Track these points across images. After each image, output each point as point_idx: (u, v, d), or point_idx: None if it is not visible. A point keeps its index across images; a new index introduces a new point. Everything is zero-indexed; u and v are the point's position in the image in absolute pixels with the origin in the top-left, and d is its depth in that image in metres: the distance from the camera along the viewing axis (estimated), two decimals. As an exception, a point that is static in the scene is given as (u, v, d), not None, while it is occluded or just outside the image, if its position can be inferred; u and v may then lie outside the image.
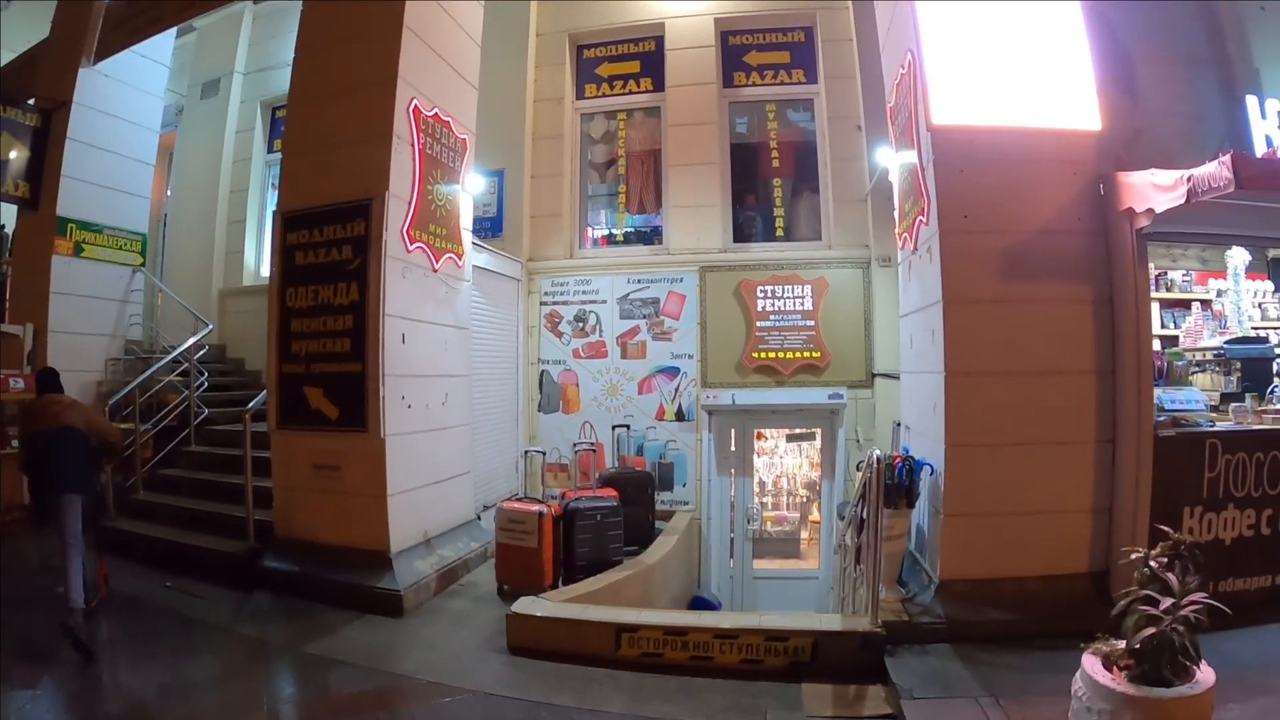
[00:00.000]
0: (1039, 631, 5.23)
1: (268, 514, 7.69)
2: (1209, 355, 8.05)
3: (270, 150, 13.33)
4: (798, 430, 11.31)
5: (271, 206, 12.91)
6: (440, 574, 7.40)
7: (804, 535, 11.59)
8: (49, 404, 6.68)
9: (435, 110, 7.86)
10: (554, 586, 7.24)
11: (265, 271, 12.65)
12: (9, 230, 12.46)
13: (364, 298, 7.06)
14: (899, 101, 6.85)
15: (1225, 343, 7.91)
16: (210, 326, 10.19)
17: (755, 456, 11.37)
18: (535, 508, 7.41)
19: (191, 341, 9.81)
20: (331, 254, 7.27)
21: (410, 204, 7.43)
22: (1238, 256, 8.63)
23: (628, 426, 10.71)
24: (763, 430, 11.33)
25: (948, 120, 5.98)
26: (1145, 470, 5.46)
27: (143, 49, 11.27)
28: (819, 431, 11.09)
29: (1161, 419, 5.65)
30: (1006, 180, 5.87)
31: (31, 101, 10.74)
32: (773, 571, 11.23)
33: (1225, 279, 8.88)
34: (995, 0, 6.17)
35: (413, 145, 7.50)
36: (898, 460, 5.94)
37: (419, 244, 7.56)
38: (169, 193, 13.99)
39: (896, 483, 5.86)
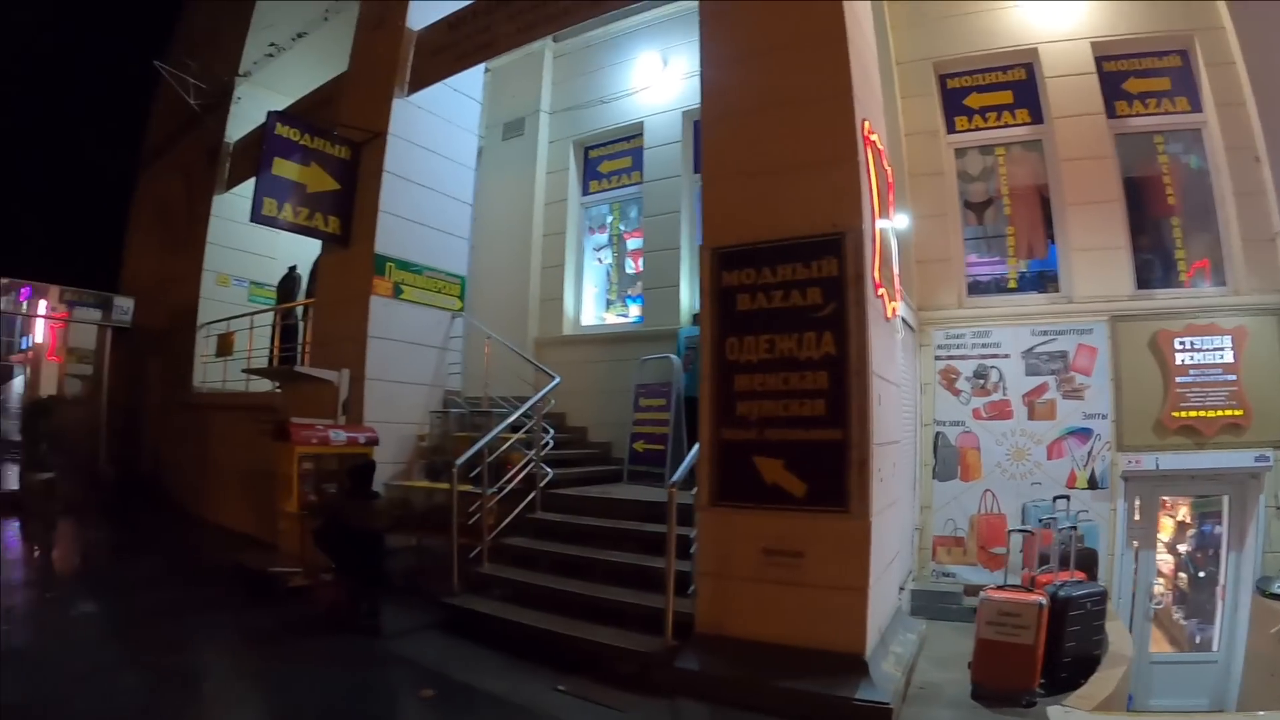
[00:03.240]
0: None
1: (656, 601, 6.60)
2: None
3: (586, 192, 12.81)
4: (1205, 495, 9.73)
5: (590, 249, 12.13)
6: (905, 677, 6.23)
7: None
8: (362, 509, 7.70)
9: (875, 134, 6.68)
10: (1040, 689, 6.15)
11: (586, 320, 11.85)
12: (301, 271, 12.00)
13: (843, 351, 5.94)
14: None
15: None
16: (558, 379, 9.25)
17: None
18: (1033, 598, 6.30)
19: (540, 395, 8.85)
20: (791, 298, 6.17)
21: (872, 240, 6.20)
22: None
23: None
24: (1166, 498, 9.79)
25: None
26: None
27: (453, 83, 10.78)
28: (1225, 498, 9.58)
29: None
30: None
31: (335, 132, 10.37)
32: (1170, 656, 9.73)
33: None
34: None
35: (866, 171, 6.31)
36: None
37: (881, 288, 6.34)
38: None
39: None
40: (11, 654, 6.44)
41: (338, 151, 10.37)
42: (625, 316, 12.30)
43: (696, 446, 6.54)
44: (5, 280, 14.52)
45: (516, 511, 8.54)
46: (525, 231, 12.68)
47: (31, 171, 34.43)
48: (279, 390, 11.29)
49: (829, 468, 5.87)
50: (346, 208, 10.29)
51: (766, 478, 6.10)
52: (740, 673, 5.94)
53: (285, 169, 9.82)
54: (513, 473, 8.65)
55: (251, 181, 13.28)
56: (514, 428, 8.65)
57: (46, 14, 26.35)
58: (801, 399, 6.02)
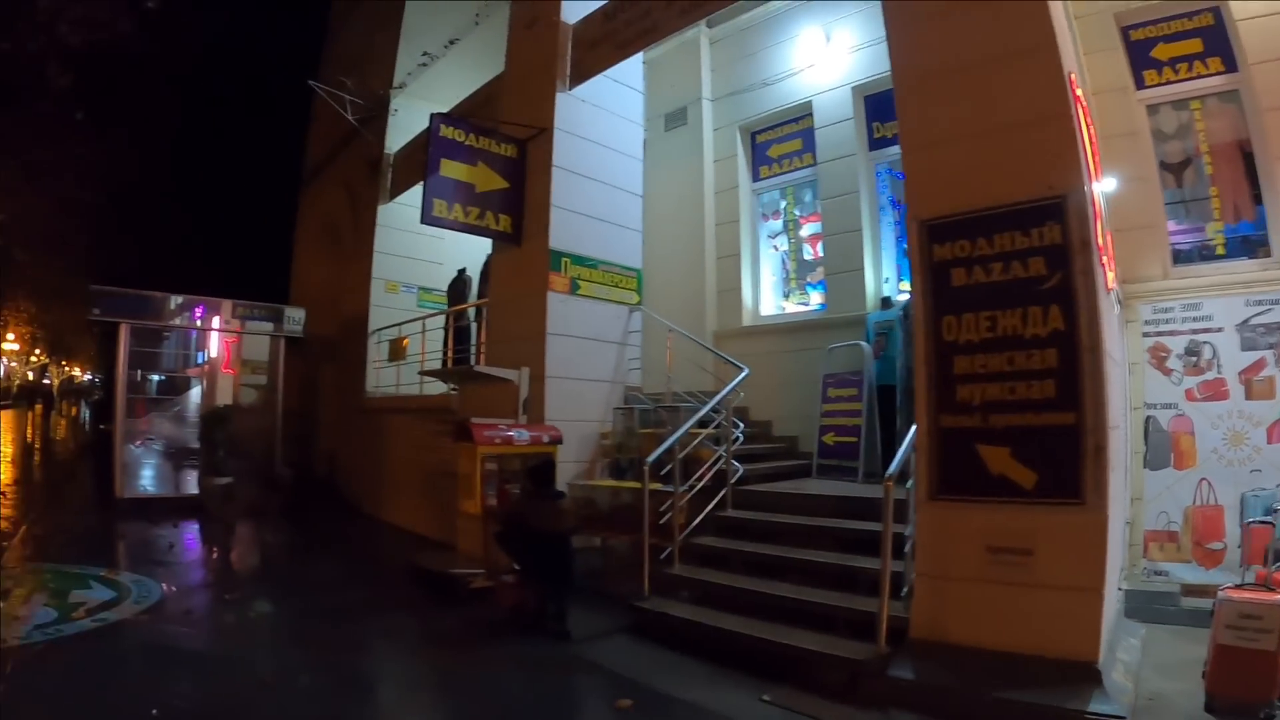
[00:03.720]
0: None
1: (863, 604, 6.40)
2: None
3: (756, 178, 12.61)
4: None
5: (765, 236, 11.85)
6: (1134, 687, 5.77)
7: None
8: (547, 510, 7.53)
9: (1080, 89, 6.23)
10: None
11: (765, 310, 11.59)
12: (471, 274, 12.10)
13: (1072, 326, 5.53)
14: None
15: None
16: (746, 371, 9.06)
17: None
18: (1278, 599, 5.59)
19: (729, 389, 8.67)
20: (1012, 269, 5.78)
21: (1092, 203, 5.74)
22: None
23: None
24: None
25: None
26: None
27: (613, 74, 10.73)
28: None
29: None
30: None
31: (499, 131, 10.51)
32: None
33: None
34: None
35: (1078, 128, 5.86)
36: None
37: (1105, 255, 5.87)
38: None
39: None
40: (193, 657, 6.66)
41: (503, 150, 10.44)
42: (806, 305, 12.01)
43: (910, 435, 6.18)
44: (182, 297, 15.11)
45: (708, 510, 8.38)
46: (697, 222, 12.57)
47: (202, 196, 36.38)
48: (454, 392, 11.38)
49: (1060, 455, 5.46)
50: (516, 205, 10.37)
51: (991, 468, 5.73)
52: (961, 682, 5.59)
53: (453, 170, 9.93)
54: (703, 470, 8.46)
55: (414, 190, 13.76)
56: (701, 423, 8.48)
57: (204, 50, 27.72)
58: (1028, 380, 5.63)
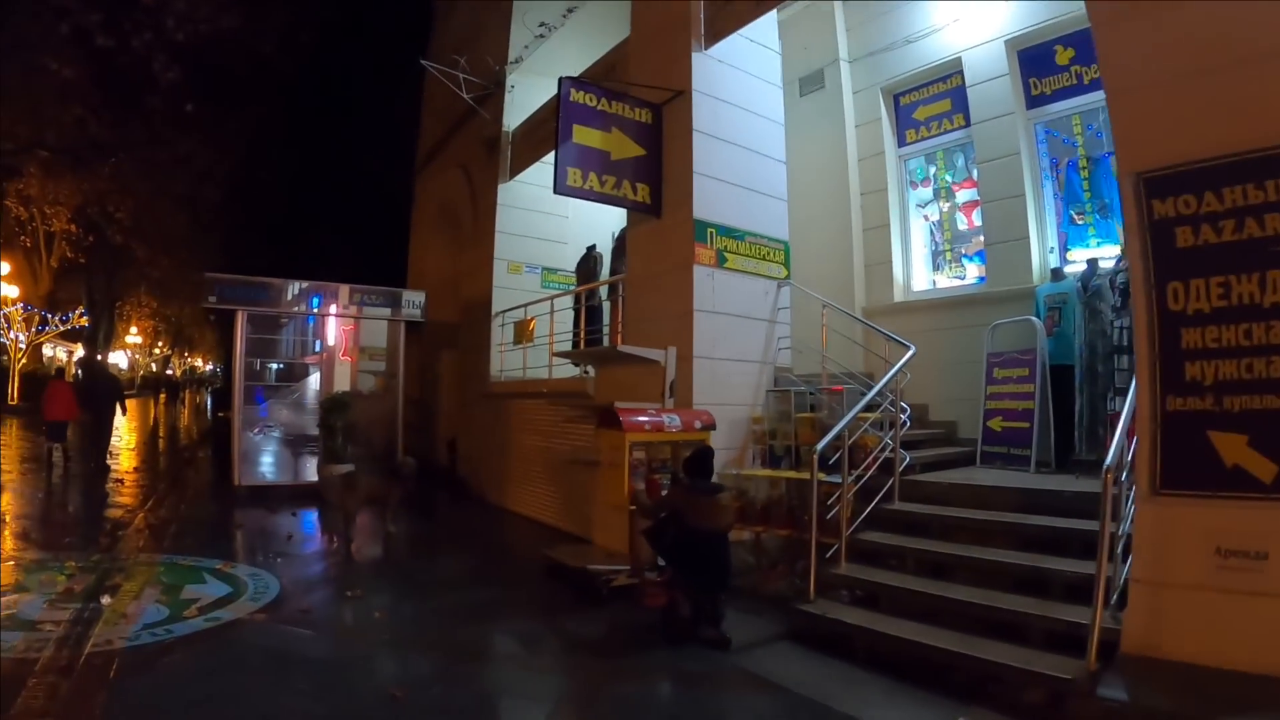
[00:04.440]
0: None
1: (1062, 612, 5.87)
2: None
3: (902, 143, 12.01)
4: None
5: (915, 205, 11.22)
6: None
7: None
8: (706, 505, 6.97)
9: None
10: None
11: (918, 285, 10.98)
12: (600, 250, 11.76)
13: (1320, 292, 4.88)
14: None
15: None
16: (912, 349, 8.56)
17: None
18: None
19: (896, 369, 8.23)
20: (1247, 228, 5.08)
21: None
22: None
23: None
24: None
25: None
26: None
27: (748, 33, 10.22)
28: None
29: None
30: None
31: (631, 95, 10.17)
32: None
33: None
34: None
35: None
36: None
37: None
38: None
39: None
40: (312, 664, 6.29)
41: (638, 115, 10.12)
42: (961, 278, 11.40)
43: (1124, 421, 5.54)
44: (299, 283, 15.12)
45: (875, 502, 7.93)
46: (841, 192, 12.08)
47: (317, 185, 37.13)
48: (586, 374, 11.03)
49: (1306, 442, 4.85)
50: (654, 174, 10.01)
51: (1226, 458, 5.09)
52: (1181, 707, 5.04)
53: (585, 136, 9.63)
54: (869, 458, 8.01)
55: (535, 169, 13.83)
56: (866, 407, 8.01)
57: (314, 37, 28.14)
58: (1268, 356, 4.98)
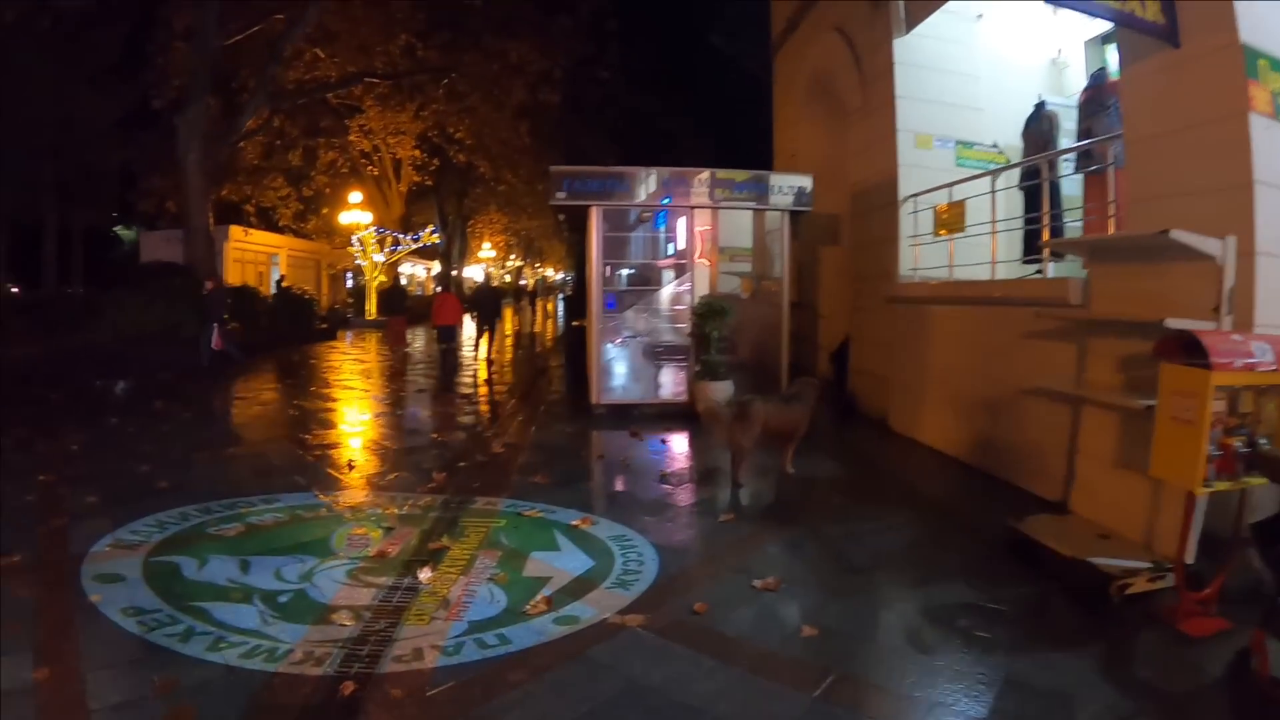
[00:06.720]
0: None
1: None
2: None
3: None
4: None
5: None
6: None
7: None
8: None
9: None
10: None
11: None
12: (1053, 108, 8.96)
13: None
14: None
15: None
16: None
17: None
18: None
19: None
20: None
21: None
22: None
23: None
24: None
25: None
26: None
27: None
28: None
29: None
30: None
31: None
32: None
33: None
34: None
35: None
36: None
37: None
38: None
39: None
40: None
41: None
42: None
43: None
44: (656, 171, 13.13)
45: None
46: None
47: (660, 80, 36.22)
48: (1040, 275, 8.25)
49: None
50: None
51: None
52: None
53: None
54: None
55: (936, 19, 11.62)
56: None
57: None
58: None
